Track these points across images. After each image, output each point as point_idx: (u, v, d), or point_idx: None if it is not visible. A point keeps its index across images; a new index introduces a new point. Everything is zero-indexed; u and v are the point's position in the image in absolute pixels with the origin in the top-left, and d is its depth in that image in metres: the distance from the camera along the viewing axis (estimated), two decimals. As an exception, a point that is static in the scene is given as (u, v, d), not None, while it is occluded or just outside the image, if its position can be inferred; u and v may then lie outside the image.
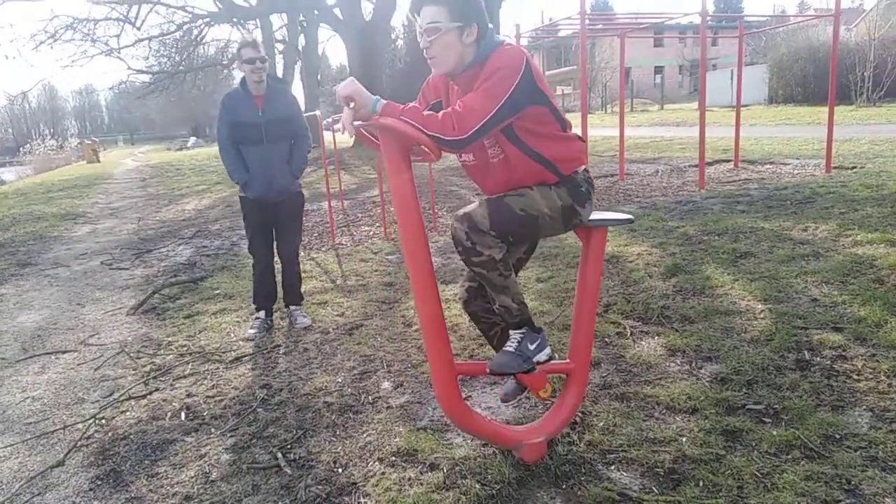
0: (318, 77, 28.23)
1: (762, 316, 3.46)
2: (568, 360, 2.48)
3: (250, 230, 4.16)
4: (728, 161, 10.44)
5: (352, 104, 1.99)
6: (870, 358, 2.82)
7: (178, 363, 3.75)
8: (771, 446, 2.30)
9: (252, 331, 4.13)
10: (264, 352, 3.82)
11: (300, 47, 24.67)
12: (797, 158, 10.31)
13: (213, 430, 2.89)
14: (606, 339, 3.41)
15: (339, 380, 3.29)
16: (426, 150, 2.13)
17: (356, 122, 2.02)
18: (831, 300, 3.52)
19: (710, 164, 9.97)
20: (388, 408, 2.93)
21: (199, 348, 3.96)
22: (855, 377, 2.69)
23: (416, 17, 2.08)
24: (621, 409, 2.67)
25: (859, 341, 3.00)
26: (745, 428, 2.43)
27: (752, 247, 4.71)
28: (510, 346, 2.26)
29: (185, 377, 3.54)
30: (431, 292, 2.19)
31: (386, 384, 3.18)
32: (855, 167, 8.67)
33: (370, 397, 3.06)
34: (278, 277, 4.33)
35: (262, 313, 4.26)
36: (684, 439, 2.42)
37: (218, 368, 3.62)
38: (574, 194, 2.21)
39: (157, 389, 3.41)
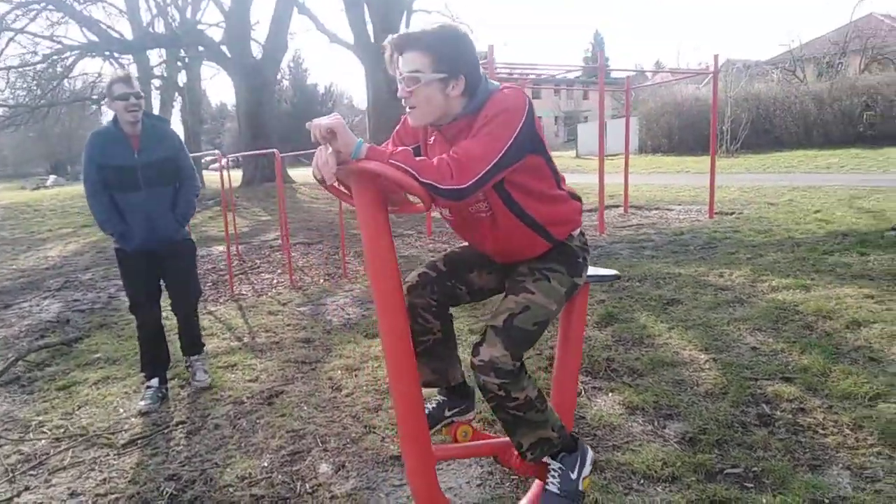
0: (201, 114, 26.90)
1: (708, 367, 3.41)
2: (547, 434, 2.21)
3: (131, 287, 3.58)
4: (617, 206, 10.91)
5: (331, 143, 1.65)
6: (828, 410, 2.80)
7: (54, 450, 3.07)
8: (765, 517, 2.15)
9: (144, 403, 3.52)
10: (164, 430, 3.23)
11: (181, 84, 23.40)
12: (679, 204, 10.97)
13: (109, 542, 2.31)
14: (548, 391, 3.19)
15: (265, 464, 2.80)
16: (409, 199, 1.83)
17: (337, 166, 1.67)
18: (770, 349, 3.54)
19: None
20: (332, 498, 2.49)
21: (81, 429, 3.29)
22: (821, 432, 2.64)
23: (398, 60, 1.80)
24: (598, 482, 2.43)
25: (812, 392, 2.99)
26: (732, 497, 2.26)
27: (676, 293, 4.76)
28: (552, 484, 1.96)
29: (64, 469, 2.89)
30: (409, 375, 1.86)
31: (324, 467, 2.74)
32: (734, 213, 9.32)
33: (307, 485, 2.60)
34: (170, 337, 3.83)
35: (154, 381, 3.64)
36: (673, 514, 2.21)
37: (107, 455, 3.00)
38: (571, 268, 1.98)
39: (27, 488, 2.74)
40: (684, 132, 24.00)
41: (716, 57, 9.66)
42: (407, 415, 1.86)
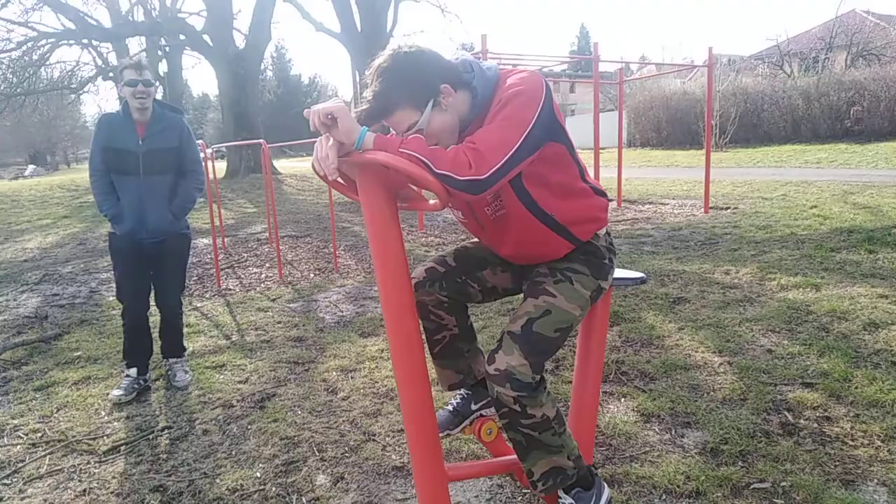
0: (183, 104, 26.38)
1: (723, 371, 3.26)
2: (568, 448, 2.04)
3: (119, 273, 3.53)
4: (610, 200, 10.75)
5: (332, 131, 1.45)
6: (855, 419, 2.66)
7: (30, 457, 2.86)
8: (802, 538, 2.00)
9: (118, 392, 3.41)
10: (149, 436, 3.02)
11: (162, 73, 22.91)
12: (673, 199, 10.86)
13: (89, 565, 2.11)
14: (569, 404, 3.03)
15: (258, 474, 2.61)
16: (421, 194, 1.64)
17: (339, 158, 1.48)
18: (786, 351, 3.40)
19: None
20: (332, 514, 2.31)
21: (59, 434, 3.07)
22: (851, 443, 2.50)
23: (386, 125, 1.65)
24: (618, 499, 2.27)
25: (835, 399, 2.85)
26: (763, 515, 2.12)
27: (683, 291, 4.62)
28: None
29: (40, 478, 2.68)
30: (420, 382, 1.67)
31: (321, 478, 2.56)
32: (729, 207, 9.22)
33: (304, 499, 2.42)
34: (154, 331, 3.69)
35: (133, 371, 3.53)
36: (702, 534, 2.06)
37: (88, 463, 2.79)
38: (596, 270, 1.79)
39: (0, 499, 2.52)
40: (672, 126, 23.94)
41: (710, 49, 9.53)
42: (418, 429, 1.68)
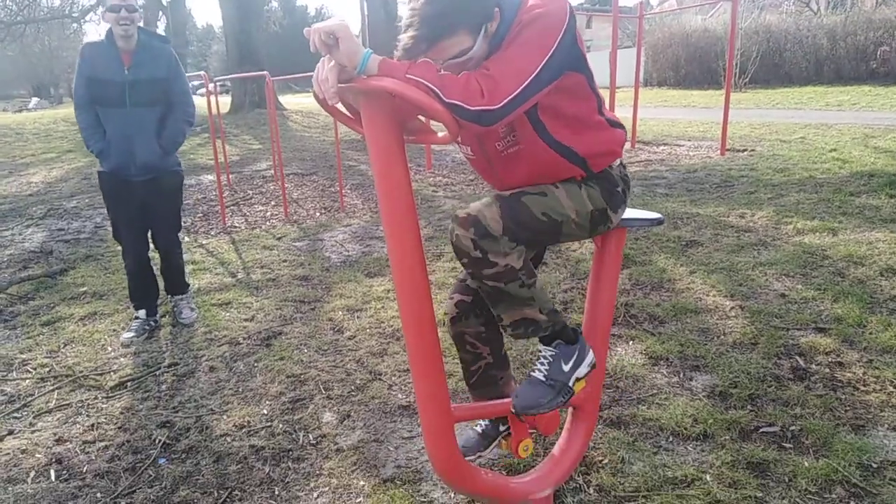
0: (187, 35, 25.74)
1: (734, 315, 3.20)
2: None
3: (112, 212, 3.45)
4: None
5: (332, 53, 1.34)
6: (868, 365, 2.62)
7: (38, 391, 2.88)
8: (809, 483, 1.98)
9: (129, 335, 3.39)
10: (156, 372, 3.03)
11: (165, 2, 22.24)
12: (689, 140, 10.60)
13: (98, 494, 2.13)
14: (578, 347, 2.99)
15: (265, 411, 2.61)
16: (430, 126, 1.54)
17: (340, 84, 1.37)
18: (800, 296, 3.33)
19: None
20: (337, 451, 2.32)
21: (67, 369, 3.09)
22: (862, 388, 2.46)
23: (429, 53, 1.45)
24: (624, 440, 2.26)
25: (848, 344, 2.80)
26: (771, 458, 2.10)
27: (696, 234, 4.52)
28: (538, 370, 1.70)
29: (49, 412, 2.70)
30: (427, 325, 1.61)
31: (328, 415, 2.56)
32: (745, 149, 8.98)
33: (311, 436, 2.42)
34: (157, 267, 3.65)
35: (141, 312, 3.51)
36: (709, 477, 2.04)
37: (95, 398, 2.81)
38: (608, 196, 1.69)
39: (10, 433, 2.56)
40: (691, 65, 23.23)
41: (736, -19, 9.08)
42: (424, 372, 1.63)
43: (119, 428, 2.56)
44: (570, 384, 1.70)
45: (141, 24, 3.29)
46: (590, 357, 1.76)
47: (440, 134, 1.53)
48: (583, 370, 1.73)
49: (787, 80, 20.16)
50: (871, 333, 2.86)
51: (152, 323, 3.53)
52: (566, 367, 1.69)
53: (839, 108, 14.13)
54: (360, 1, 16.47)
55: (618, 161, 1.75)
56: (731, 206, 5.22)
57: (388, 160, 1.51)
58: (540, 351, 1.73)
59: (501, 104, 1.36)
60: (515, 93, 1.37)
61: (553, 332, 1.69)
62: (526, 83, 1.38)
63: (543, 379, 1.68)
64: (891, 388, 2.45)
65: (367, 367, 2.94)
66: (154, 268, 3.61)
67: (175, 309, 3.66)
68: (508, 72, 1.38)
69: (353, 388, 2.76)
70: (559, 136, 1.59)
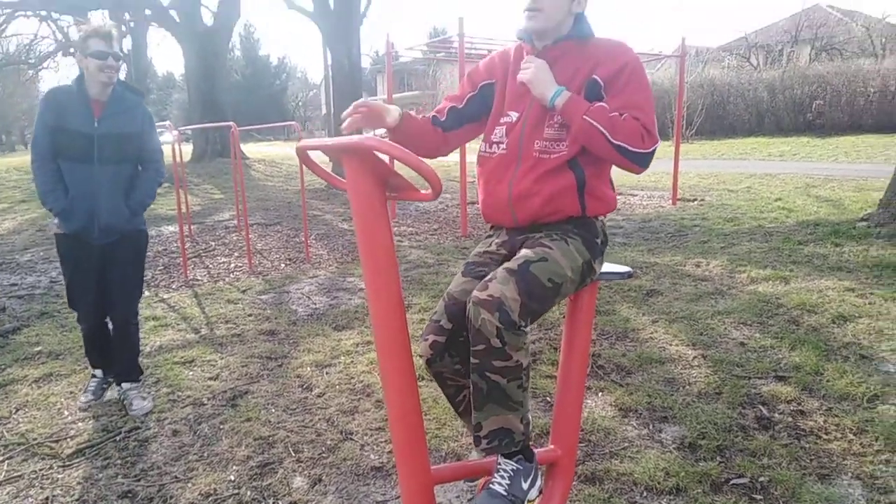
0: (148, 84, 25.60)
1: (697, 364, 3.29)
2: (551, 447, 2.02)
3: (69, 277, 3.15)
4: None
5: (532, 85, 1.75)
6: (828, 413, 2.71)
7: (-13, 462, 2.73)
8: (781, 535, 2.02)
9: (87, 397, 3.23)
10: (116, 438, 2.91)
11: (126, 50, 22.14)
12: (641, 190, 10.97)
13: (54, 575, 2.02)
14: (549, 399, 3.02)
15: (232, 477, 2.53)
16: (408, 182, 1.57)
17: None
18: (758, 344, 3.45)
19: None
20: (310, 517, 2.26)
21: (19, 436, 2.94)
22: (825, 437, 2.55)
23: None
24: (600, 496, 2.27)
25: (808, 392, 2.90)
26: (743, 511, 2.14)
27: (655, 283, 4.65)
28: (499, 483, 1.67)
29: (0, 484, 2.55)
30: (408, 383, 1.62)
31: (298, 480, 2.50)
32: (696, 199, 9.35)
33: (281, 503, 2.35)
34: None
35: (99, 371, 3.34)
36: (683, 532, 2.07)
37: (50, 468, 2.67)
38: (590, 246, 1.79)
39: (-45, 509, 2.41)
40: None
41: (683, 39, 9.60)
42: (404, 432, 1.63)
43: (76, 500, 2.44)
44: (525, 502, 1.69)
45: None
46: (539, 482, 1.76)
47: (423, 191, 1.57)
48: (534, 493, 1.73)
49: (731, 132, 21.16)
50: (828, 381, 2.97)
51: (110, 380, 3.36)
52: (525, 485, 1.69)
53: (781, 158, 14.89)
54: (323, 50, 16.74)
55: (605, 217, 1.89)
56: (686, 255, 5.40)
57: (371, 217, 1.53)
58: (500, 463, 1.71)
59: (653, 149, 1.65)
60: (657, 139, 1.66)
61: (522, 447, 1.70)
62: (656, 128, 1.66)
63: (504, 493, 1.66)
64: (851, 436, 2.54)
65: (337, 426, 2.89)
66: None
67: (125, 400, 3.21)
68: (650, 121, 1.65)
69: (323, 449, 2.70)
70: (587, 169, 1.77)
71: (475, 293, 1.59)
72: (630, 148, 1.62)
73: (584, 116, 1.63)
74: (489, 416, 1.62)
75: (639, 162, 1.65)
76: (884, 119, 17.87)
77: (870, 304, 3.90)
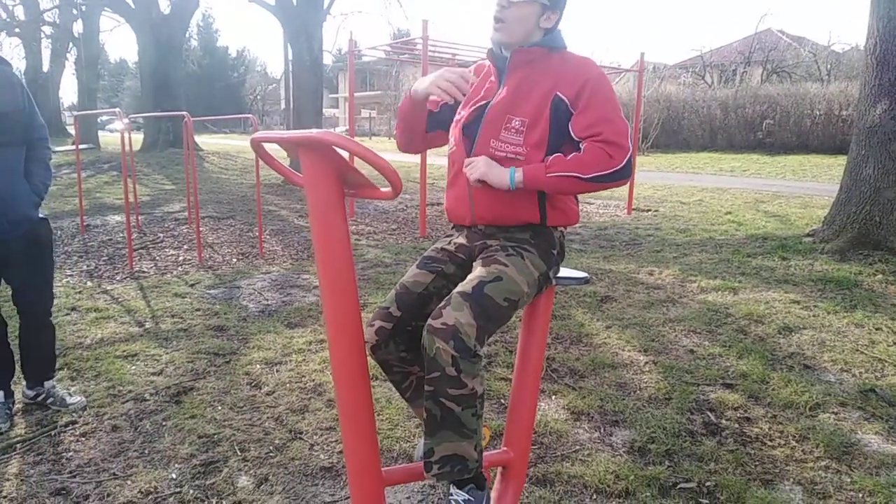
0: (99, 70, 24.70)
1: (648, 370, 3.34)
2: (504, 449, 2.01)
3: None
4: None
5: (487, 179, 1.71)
6: (773, 420, 2.78)
7: None
8: (726, 538, 2.05)
9: None
10: (51, 433, 2.77)
11: (77, 34, 21.36)
12: (598, 199, 11.15)
13: (-26, 578, 1.89)
14: (503, 402, 3.01)
15: (174, 476, 2.43)
16: (367, 179, 1.53)
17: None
18: (707, 352, 3.53)
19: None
20: (255, 518, 2.18)
21: (-58, 430, 2.76)
22: (769, 444, 2.61)
23: None
24: (550, 498, 2.27)
25: (754, 400, 2.97)
26: (690, 515, 2.17)
27: (610, 290, 4.71)
28: None
29: (-83, 481, 2.39)
30: (361, 383, 1.58)
31: (244, 479, 2.41)
32: (650, 210, 9.56)
33: (225, 502, 2.27)
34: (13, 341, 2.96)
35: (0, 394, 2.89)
36: (632, 535, 2.08)
37: (-24, 463, 2.51)
38: (546, 257, 1.79)
39: None
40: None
41: (642, 55, 9.82)
42: (355, 432, 1.59)
43: (6, 498, 2.29)
44: None
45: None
46: None
47: (383, 189, 1.53)
48: None
49: (685, 146, 21.78)
50: (773, 389, 3.06)
51: (11, 405, 2.92)
52: None
53: (732, 173, 15.37)
54: (284, 45, 16.48)
55: (564, 230, 1.88)
56: (640, 264, 5.50)
57: (328, 214, 1.49)
58: (451, 494, 1.66)
59: (625, 159, 1.64)
60: (630, 149, 1.65)
61: (475, 475, 1.65)
62: (630, 137, 1.66)
63: None
64: (794, 443, 2.61)
65: (286, 425, 2.81)
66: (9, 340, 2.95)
67: (49, 400, 2.96)
68: (618, 129, 1.65)
69: (271, 448, 2.62)
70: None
71: (430, 321, 1.55)
72: (603, 173, 1.64)
73: (548, 175, 1.65)
74: (442, 443, 1.58)
75: (617, 178, 1.66)
76: (829, 141, 18.68)
77: (814, 316, 4.04)
